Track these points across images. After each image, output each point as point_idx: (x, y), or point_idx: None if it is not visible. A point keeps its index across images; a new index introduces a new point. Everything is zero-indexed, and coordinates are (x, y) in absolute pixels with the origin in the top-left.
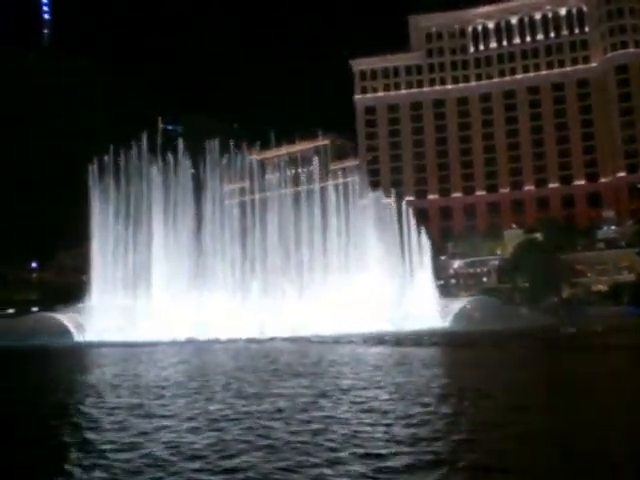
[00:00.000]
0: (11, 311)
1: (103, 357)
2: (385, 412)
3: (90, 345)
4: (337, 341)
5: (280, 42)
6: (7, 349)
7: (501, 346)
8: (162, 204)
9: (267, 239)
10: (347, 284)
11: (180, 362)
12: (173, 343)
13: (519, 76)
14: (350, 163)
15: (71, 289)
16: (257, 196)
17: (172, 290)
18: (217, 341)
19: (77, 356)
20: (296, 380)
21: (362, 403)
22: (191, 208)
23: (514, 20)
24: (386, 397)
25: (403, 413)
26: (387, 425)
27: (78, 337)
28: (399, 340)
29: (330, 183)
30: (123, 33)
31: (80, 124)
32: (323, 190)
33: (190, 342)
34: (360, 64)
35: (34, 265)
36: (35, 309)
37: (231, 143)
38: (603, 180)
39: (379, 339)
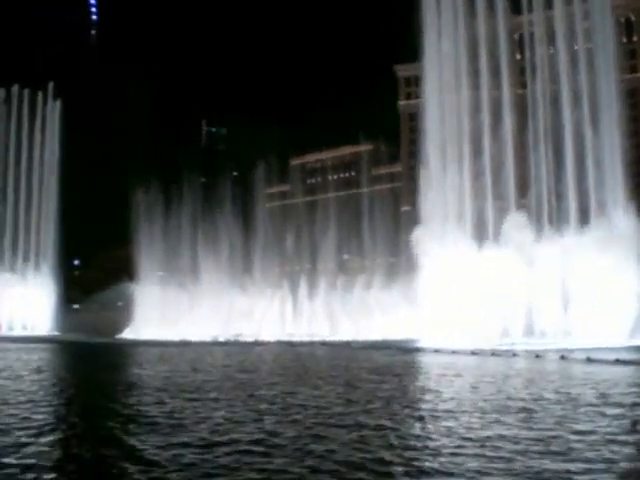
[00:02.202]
0: (76, 306)
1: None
2: None
3: (135, 343)
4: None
5: (325, 48)
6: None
7: None
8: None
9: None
10: None
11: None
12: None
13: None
14: (394, 169)
15: (112, 287)
16: (299, 200)
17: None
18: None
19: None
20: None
21: None
22: (234, 210)
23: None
24: None
25: None
26: None
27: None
28: None
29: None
30: (169, 35)
31: (127, 128)
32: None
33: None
34: (405, 70)
35: (76, 263)
36: (76, 306)
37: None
38: None
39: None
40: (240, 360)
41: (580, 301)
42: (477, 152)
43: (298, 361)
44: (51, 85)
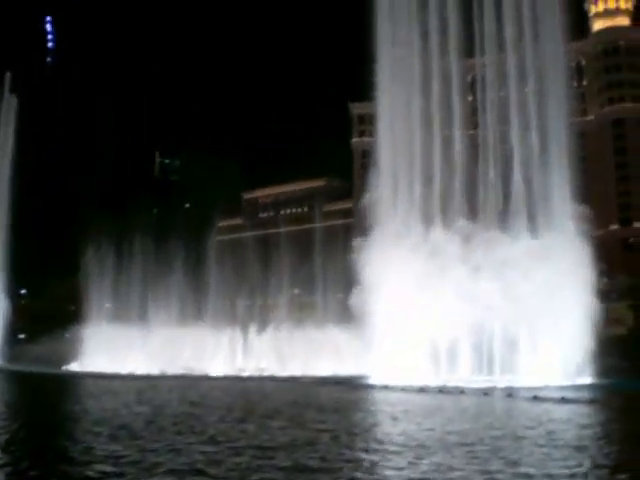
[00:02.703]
0: (22, 336)
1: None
2: None
3: (76, 375)
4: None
5: (280, 83)
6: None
7: None
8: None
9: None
10: None
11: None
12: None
13: None
14: (346, 205)
15: (60, 318)
16: (250, 233)
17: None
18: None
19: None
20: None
21: None
22: (185, 242)
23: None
24: None
25: None
26: None
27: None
28: None
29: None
30: (127, 62)
31: (81, 155)
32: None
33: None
34: (358, 108)
35: (23, 292)
36: (22, 336)
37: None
38: (595, 233)
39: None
40: (182, 394)
41: (527, 337)
42: (429, 189)
43: (244, 396)
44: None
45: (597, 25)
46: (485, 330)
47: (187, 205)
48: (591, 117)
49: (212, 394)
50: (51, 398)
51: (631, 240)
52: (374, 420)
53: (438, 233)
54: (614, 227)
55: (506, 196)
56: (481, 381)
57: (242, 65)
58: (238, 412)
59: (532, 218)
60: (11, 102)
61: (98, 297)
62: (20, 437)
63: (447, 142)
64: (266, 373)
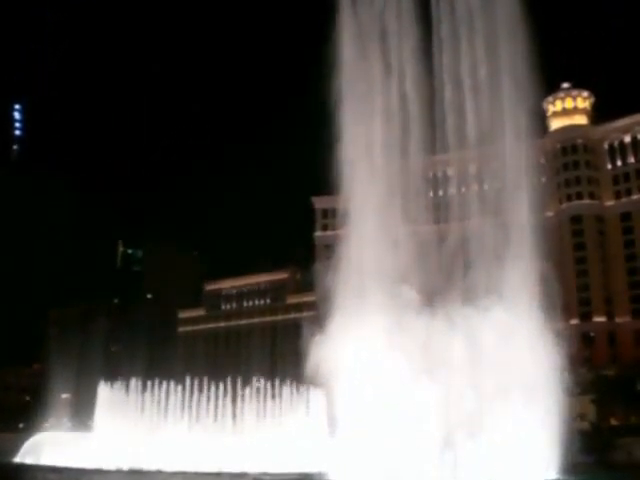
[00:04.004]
0: None
1: None
2: None
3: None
4: None
5: (244, 177)
6: None
7: None
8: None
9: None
10: None
11: None
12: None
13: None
14: (308, 298)
15: (14, 408)
16: (211, 325)
17: (119, 417)
18: (160, 472)
19: None
20: None
21: None
22: (146, 333)
23: (450, 172)
24: None
25: None
26: None
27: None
28: None
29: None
30: (95, 153)
31: (44, 243)
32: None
33: (135, 472)
34: (321, 202)
35: None
36: None
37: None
38: (557, 327)
39: None
40: None
41: (490, 431)
42: (391, 278)
43: None
44: None
45: (555, 124)
46: (448, 426)
47: (149, 296)
48: (550, 213)
49: None
50: None
51: (591, 334)
52: None
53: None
54: (574, 321)
55: (466, 293)
56: (448, 474)
57: (207, 159)
58: None
59: (492, 314)
60: None
61: (55, 387)
62: None
63: (409, 237)
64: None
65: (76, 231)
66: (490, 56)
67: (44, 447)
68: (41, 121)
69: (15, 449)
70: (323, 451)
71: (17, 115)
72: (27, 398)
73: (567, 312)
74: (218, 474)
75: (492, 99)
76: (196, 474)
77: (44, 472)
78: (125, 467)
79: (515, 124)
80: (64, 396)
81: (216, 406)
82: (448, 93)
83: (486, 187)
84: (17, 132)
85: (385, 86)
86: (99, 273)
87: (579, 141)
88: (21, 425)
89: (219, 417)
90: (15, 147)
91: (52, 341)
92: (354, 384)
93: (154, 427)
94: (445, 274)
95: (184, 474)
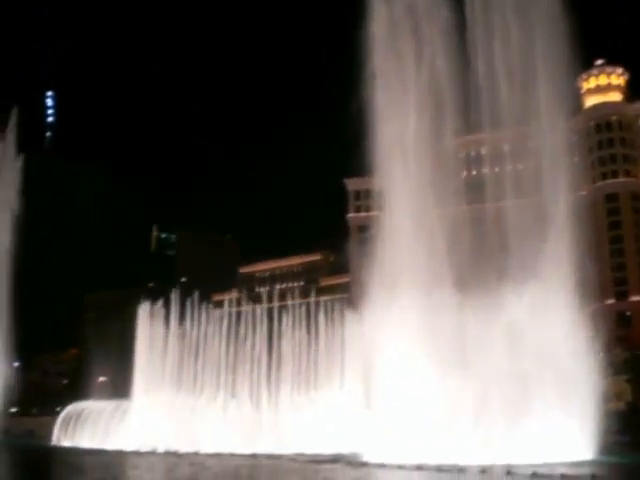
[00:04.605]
0: (14, 410)
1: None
2: None
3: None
4: None
5: (276, 161)
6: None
7: None
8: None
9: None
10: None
11: None
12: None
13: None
14: (342, 280)
15: (52, 392)
16: (246, 307)
17: (155, 397)
18: (196, 454)
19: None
20: None
21: None
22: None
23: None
24: None
25: None
26: None
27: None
28: None
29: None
30: (128, 138)
31: (78, 228)
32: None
33: (170, 454)
34: (354, 183)
35: (16, 365)
36: (13, 409)
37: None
38: (592, 307)
39: None
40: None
41: (527, 411)
42: (425, 259)
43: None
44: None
45: (589, 101)
46: (486, 404)
47: (183, 279)
48: (584, 192)
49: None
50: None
51: (627, 314)
52: None
53: (439, 302)
54: (610, 301)
55: (502, 271)
56: (481, 457)
57: (239, 143)
58: None
59: (528, 296)
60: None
61: (93, 371)
62: None
63: (445, 218)
64: (262, 450)
65: (111, 216)
66: (524, 33)
67: (80, 416)
68: (73, 107)
69: (53, 432)
70: (358, 430)
71: (49, 102)
72: (64, 382)
73: (603, 292)
74: (253, 455)
75: (526, 77)
76: (231, 455)
77: (81, 455)
78: (161, 449)
79: (550, 102)
80: (101, 379)
81: (251, 384)
82: (481, 72)
83: (520, 167)
84: (50, 119)
85: (418, 66)
86: (134, 258)
87: (613, 118)
88: (58, 409)
89: (254, 396)
90: (48, 134)
91: (89, 326)
92: (390, 367)
93: (190, 407)
94: (480, 255)
95: (219, 456)
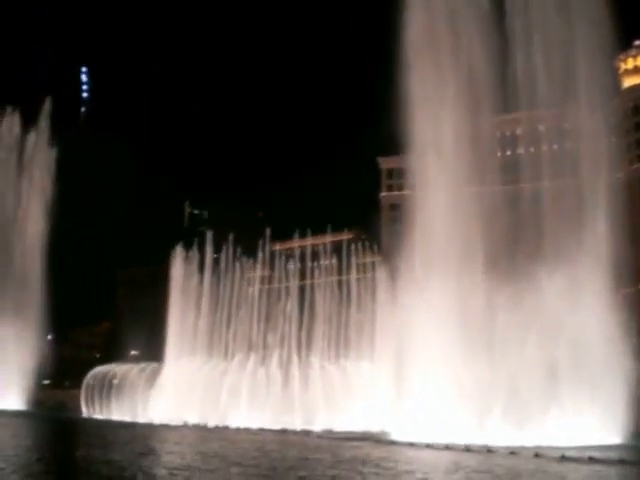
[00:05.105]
0: (46, 382)
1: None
2: None
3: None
4: None
5: (309, 136)
6: None
7: None
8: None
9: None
10: None
11: None
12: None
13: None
14: (374, 258)
15: (83, 365)
16: (278, 285)
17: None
18: (226, 428)
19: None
20: None
21: None
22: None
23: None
24: None
25: None
26: None
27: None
28: None
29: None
30: (155, 114)
31: (111, 204)
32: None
33: (200, 427)
34: (387, 162)
35: (49, 337)
36: (46, 382)
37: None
38: (626, 291)
39: None
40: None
41: (557, 394)
42: (461, 244)
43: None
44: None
45: (627, 82)
46: (516, 387)
47: (215, 255)
48: (620, 175)
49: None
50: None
51: None
52: None
53: (470, 285)
54: None
55: (536, 253)
56: (510, 439)
57: (272, 118)
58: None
59: (564, 275)
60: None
61: (125, 344)
62: None
63: (479, 198)
64: (289, 427)
65: (143, 191)
66: (562, 13)
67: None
68: (107, 83)
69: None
70: (387, 409)
71: (84, 77)
72: (97, 355)
73: (638, 275)
74: (283, 431)
75: (564, 57)
76: (261, 430)
77: (113, 428)
78: (190, 422)
79: (588, 83)
80: (133, 353)
81: (281, 359)
82: (519, 52)
83: (555, 147)
84: (84, 94)
85: (454, 45)
86: (166, 234)
87: None
88: (90, 381)
89: (284, 371)
90: (83, 109)
91: (121, 300)
92: (421, 349)
93: (220, 381)
94: (513, 237)
95: (248, 430)
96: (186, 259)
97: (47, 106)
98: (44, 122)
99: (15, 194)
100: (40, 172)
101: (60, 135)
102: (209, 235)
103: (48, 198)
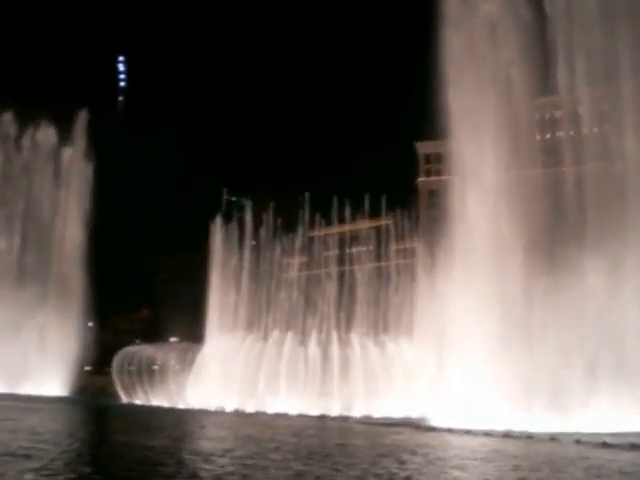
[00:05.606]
0: (88, 368)
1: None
2: None
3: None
4: None
5: (347, 123)
6: None
7: None
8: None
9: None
10: None
11: None
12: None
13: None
14: (412, 244)
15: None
16: (314, 271)
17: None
18: (263, 414)
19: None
20: None
21: None
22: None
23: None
24: None
25: None
26: None
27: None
28: None
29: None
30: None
31: (150, 193)
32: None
33: (237, 413)
34: (425, 147)
35: (90, 324)
36: (87, 368)
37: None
38: None
39: None
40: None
41: (597, 380)
42: (498, 225)
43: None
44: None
45: None
46: (555, 373)
47: (253, 242)
48: None
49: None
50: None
51: None
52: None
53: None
54: None
55: (578, 237)
56: (550, 425)
57: (311, 102)
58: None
59: (608, 252)
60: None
61: (164, 331)
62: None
63: (519, 181)
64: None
65: (183, 179)
66: (605, 17)
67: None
68: (145, 72)
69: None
70: (426, 395)
71: (121, 67)
72: (137, 341)
73: None
74: (321, 417)
75: (605, 37)
76: (299, 416)
77: (151, 414)
78: (228, 408)
79: (630, 63)
80: (172, 340)
81: (319, 339)
82: (558, 31)
83: (595, 130)
84: (122, 83)
85: (492, 27)
86: (205, 221)
87: None
88: (131, 367)
89: (322, 350)
90: (120, 98)
91: (161, 287)
92: (460, 335)
93: (259, 363)
94: (555, 221)
95: (285, 416)
96: (226, 233)
97: (82, 120)
98: (80, 140)
99: (55, 179)
100: (79, 155)
101: (99, 124)
102: (248, 207)
103: (89, 184)
